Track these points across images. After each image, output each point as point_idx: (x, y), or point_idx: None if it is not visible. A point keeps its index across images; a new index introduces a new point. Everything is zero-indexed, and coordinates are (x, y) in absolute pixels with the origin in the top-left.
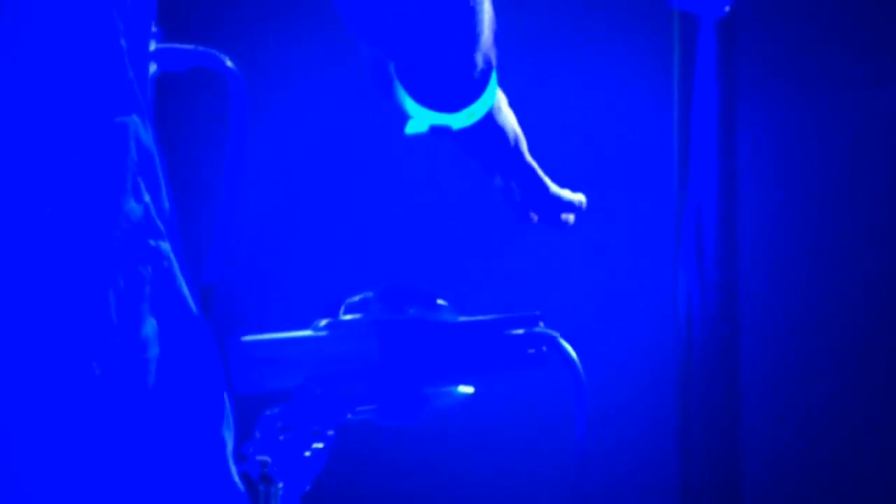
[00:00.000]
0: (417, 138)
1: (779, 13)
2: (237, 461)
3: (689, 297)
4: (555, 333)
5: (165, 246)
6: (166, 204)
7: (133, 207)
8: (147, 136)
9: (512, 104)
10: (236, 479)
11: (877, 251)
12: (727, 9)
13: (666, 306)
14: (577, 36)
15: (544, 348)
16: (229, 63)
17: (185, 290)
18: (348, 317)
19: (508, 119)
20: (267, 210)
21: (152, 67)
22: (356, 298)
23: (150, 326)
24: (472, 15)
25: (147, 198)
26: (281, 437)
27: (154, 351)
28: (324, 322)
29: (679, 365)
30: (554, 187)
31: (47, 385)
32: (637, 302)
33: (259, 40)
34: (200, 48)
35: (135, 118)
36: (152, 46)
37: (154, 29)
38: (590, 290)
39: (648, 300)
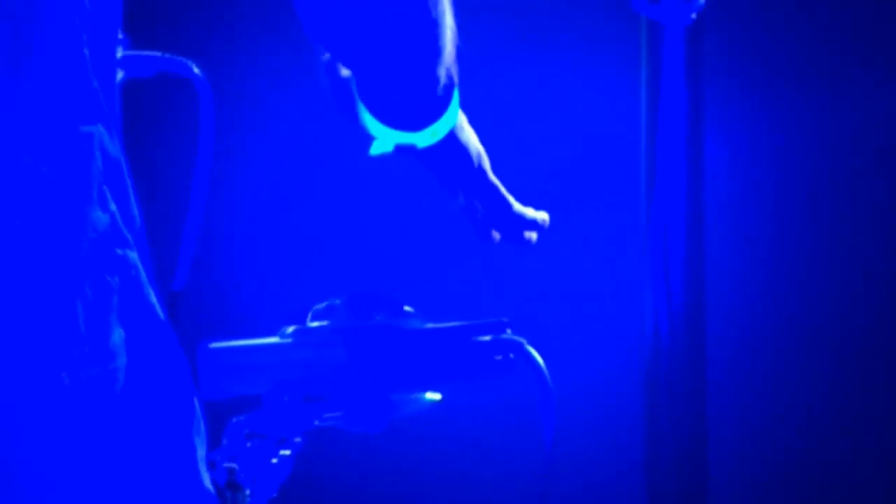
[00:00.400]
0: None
1: (745, 21)
2: (207, 468)
3: (655, 302)
4: (522, 340)
5: (133, 255)
6: (135, 212)
7: (99, 217)
8: (113, 146)
9: (478, 113)
10: (208, 485)
11: (844, 260)
12: (693, 16)
13: (633, 313)
14: (544, 43)
15: (511, 355)
16: (196, 70)
17: (153, 298)
18: (315, 324)
19: (471, 138)
20: (235, 217)
21: (119, 74)
22: (323, 305)
23: (117, 336)
24: (433, 28)
25: (113, 207)
26: (248, 444)
27: (122, 360)
28: (291, 329)
29: (646, 371)
30: (517, 205)
31: (16, 395)
32: (604, 308)
33: (226, 47)
34: (167, 55)
35: (100, 128)
36: (119, 53)
37: (120, 36)
38: (557, 296)
39: (616, 306)
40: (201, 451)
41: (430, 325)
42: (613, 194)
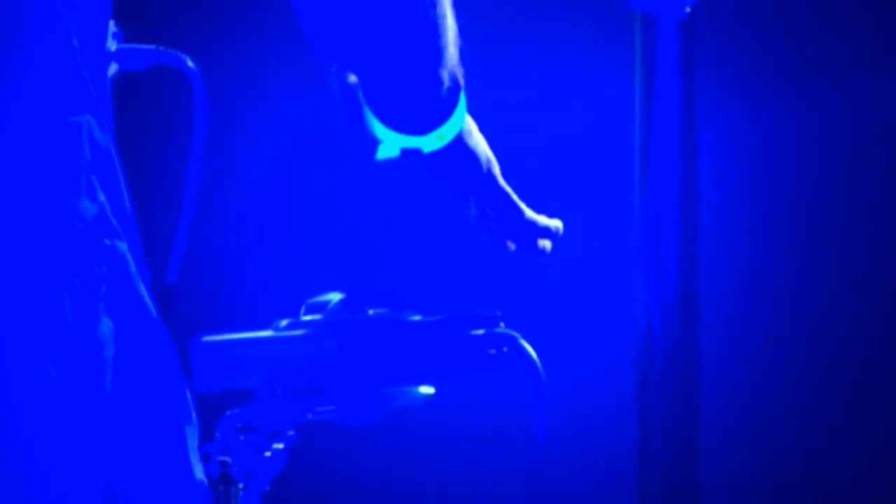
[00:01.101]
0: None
1: (740, 14)
2: (200, 460)
3: (649, 297)
4: (515, 334)
5: (122, 245)
6: (125, 202)
7: (87, 207)
8: (103, 136)
9: (472, 110)
10: (200, 476)
11: (839, 257)
12: (688, 9)
13: (626, 307)
14: (538, 38)
15: (505, 349)
16: (191, 63)
17: (143, 289)
18: (309, 317)
19: (480, 143)
20: (229, 210)
21: (113, 67)
22: (320, 299)
23: (105, 326)
24: (433, 29)
25: (102, 197)
26: (241, 438)
27: (110, 351)
28: (284, 322)
29: (639, 366)
30: (529, 213)
31: (3, 386)
32: (598, 302)
33: (223, 40)
34: (162, 48)
35: (89, 118)
36: (113, 47)
37: (114, 29)
38: (550, 291)
39: (609, 301)
40: (193, 442)
41: (423, 319)
42: (607, 189)
